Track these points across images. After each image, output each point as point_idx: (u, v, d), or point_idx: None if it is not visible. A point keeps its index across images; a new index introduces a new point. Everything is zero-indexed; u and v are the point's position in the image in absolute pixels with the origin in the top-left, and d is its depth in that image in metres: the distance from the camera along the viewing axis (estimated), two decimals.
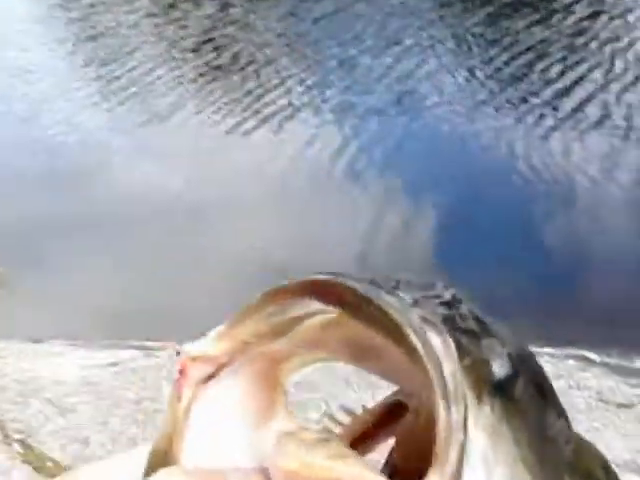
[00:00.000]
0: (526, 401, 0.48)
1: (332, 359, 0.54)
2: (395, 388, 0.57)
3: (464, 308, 0.48)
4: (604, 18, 6.68)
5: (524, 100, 5.56)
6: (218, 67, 7.08)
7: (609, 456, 0.62)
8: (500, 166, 4.89)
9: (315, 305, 0.47)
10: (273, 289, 0.47)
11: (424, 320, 0.44)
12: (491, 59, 6.27)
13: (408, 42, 6.79)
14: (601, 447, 0.61)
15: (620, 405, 2.74)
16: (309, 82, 6.42)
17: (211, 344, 0.49)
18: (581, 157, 4.75)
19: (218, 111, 6.08)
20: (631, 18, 6.62)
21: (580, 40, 6.31)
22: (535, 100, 5.52)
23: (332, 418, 0.59)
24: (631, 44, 6.05)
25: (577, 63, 5.88)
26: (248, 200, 4.78)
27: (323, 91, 6.24)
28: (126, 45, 7.83)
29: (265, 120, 5.80)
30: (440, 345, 0.43)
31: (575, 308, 3.52)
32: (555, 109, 5.36)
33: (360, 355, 0.51)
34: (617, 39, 6.21)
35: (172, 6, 8.78)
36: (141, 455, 0.51)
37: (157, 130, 6.03)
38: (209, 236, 4.47)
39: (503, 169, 4.83)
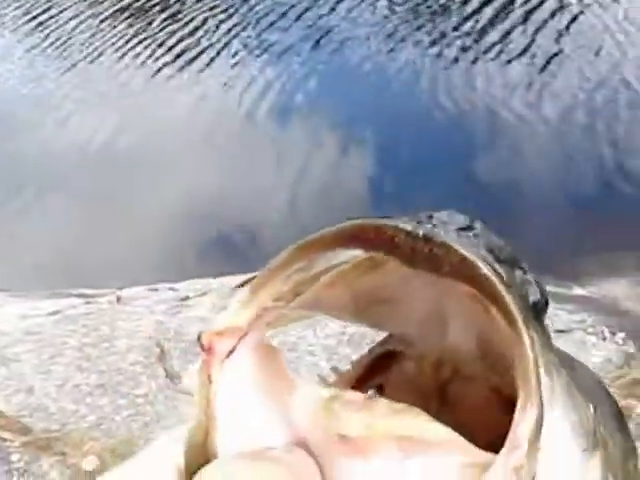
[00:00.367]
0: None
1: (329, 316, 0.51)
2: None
3: (494, 238, 0.46)
4: None
5: (444, 35, 5.52)
6: (139, 9, 6.85)
7: None
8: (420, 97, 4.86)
9: (343, 256, 0.43)
10: (304, 242, 0.43)
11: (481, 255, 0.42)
12: None
13: None
14: None
15: (558, 331, 2.82)
16: (230, 23, 6.27)
17: (236, 314, 0.44)
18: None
19: (139, 55, 5.91)
20: None
21: None
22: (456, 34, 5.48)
23: (337, 371, 0.55)
24: None
25: None
26: (173, 145, 4.69)
27: (244, 31, 6.10)
28: None
29: (188, 61, 5.66)
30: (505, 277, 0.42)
31: (509, 238, 3.56)
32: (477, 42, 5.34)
33: (364, 309, 0.49)
34: None
35: None
36: (168, 448, 0.44)
37: (77, 75, 5.84)
38: (136, 184, 4.38)
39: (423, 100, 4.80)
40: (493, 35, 5.42)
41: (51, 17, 7.02)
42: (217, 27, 6.30)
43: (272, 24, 6.19)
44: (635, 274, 3.31)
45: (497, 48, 5.23)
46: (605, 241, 3.45)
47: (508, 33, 5.38)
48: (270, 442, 0.44)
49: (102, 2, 7.17)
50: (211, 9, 6.67)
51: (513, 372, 0.45)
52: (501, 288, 0.39)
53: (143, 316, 2.96)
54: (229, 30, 6.18)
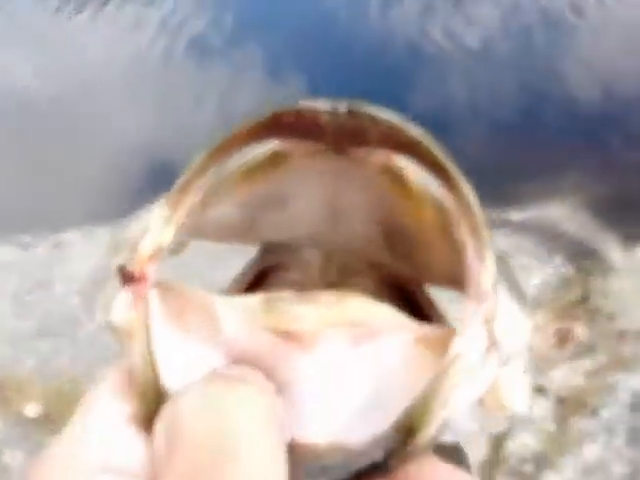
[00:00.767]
0: None
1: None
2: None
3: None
4: None
5: None
6: None
7: None
8: None
9: (256, 151, 0.39)
10: (220, 142, 0.38)
11: None
12: None
13: None
14: None
15: (496, 256, 2.89)
16: None
17: (161, 233, 0.38)
18: None
19: None
20: None
21: None
22: None
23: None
24: None
25: None
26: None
27: None
28: None
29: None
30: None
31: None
32: None
33: (251, 223, 0.45)
34: None
35: None
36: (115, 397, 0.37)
37: None
38: (64, 127, 4.23)
39: None
40: None
41: None
42: None
43: None
44: (573, 197, 3.38)
45: None
46: (541, 165, 3.49)
47: None
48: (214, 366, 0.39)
49: None
50: None
51: (415, 254, 0.44)
52: (435, 147, 0.38)
53: (81, 260, 2.91)
54: None
